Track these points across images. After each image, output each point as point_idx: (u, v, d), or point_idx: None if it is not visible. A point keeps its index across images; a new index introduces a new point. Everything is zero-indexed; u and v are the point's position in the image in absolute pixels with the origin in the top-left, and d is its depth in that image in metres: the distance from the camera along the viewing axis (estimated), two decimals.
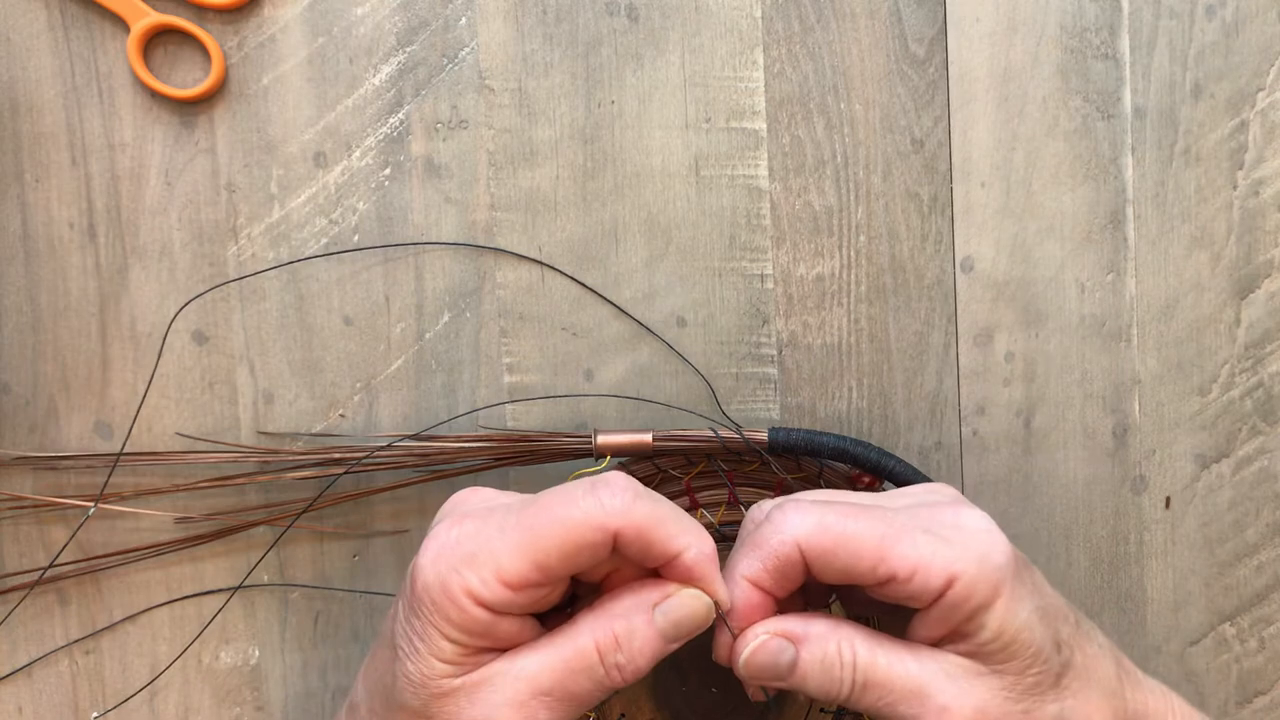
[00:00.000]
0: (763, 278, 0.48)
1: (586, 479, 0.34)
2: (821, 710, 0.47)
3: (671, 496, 0.46)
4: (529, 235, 0.48)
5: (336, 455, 0.46)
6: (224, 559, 0.48)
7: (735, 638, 0.36)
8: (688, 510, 0.46)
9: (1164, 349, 0.49)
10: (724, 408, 0.48)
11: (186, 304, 0.47)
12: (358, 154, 0.47)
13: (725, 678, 0.37)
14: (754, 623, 0.36)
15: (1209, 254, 0.49)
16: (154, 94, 0.46)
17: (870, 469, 0.46)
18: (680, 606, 0.35)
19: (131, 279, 0.47)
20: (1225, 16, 0.48)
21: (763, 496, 0.47)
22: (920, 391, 0.49)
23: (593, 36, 0.47)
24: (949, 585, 0.34)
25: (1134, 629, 0.50)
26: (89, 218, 0.46)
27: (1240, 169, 0.49)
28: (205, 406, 0.47)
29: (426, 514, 0.48)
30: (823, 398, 0.49)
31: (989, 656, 0.35)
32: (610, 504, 0.33)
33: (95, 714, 0.48)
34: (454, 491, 0.38)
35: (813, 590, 0.40)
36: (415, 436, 0.47)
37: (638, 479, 0.46)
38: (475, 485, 0.40)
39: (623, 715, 0.47)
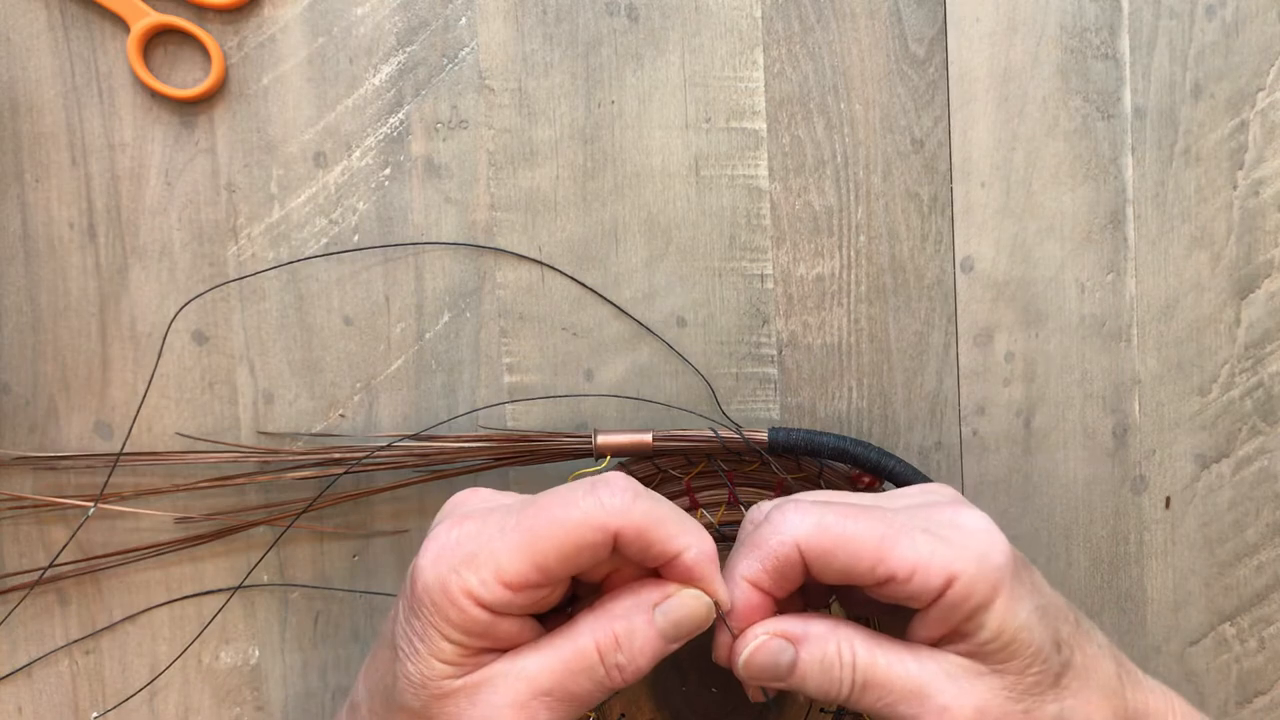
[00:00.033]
0: (763, 278, 0.48)
1: (586, 479, 0.34)
2: (821, 710, 0.47)
3: (671, 496, 0.46)
4: (529, 235, 0.48)
5: (336, 455, 0.46)
6: (224, 559, 0.48)
7: (735, 638, 0.36)
8: (688, 510, 0.46)
9: (1164, 349, 0.49)
10: (724, 408, 0.48)
11: (186, 304, 0.47)
12: (358, 154, 0.47)
13: (725, 677, 0.37)
14: (753, 623, 0.36)
15: (1209, 254, 0.49)
16: (154, 94, 0.46)
17: (870, 469, 0.46)
18: (680, 606, 0.35)
19: (131, 279, 0.47)
20: (1225, 16, 0.48)
21: (763, 496, 0.47)
22: (920, 391, 0.49)
23: (593, 36, 0.47)
24: (948, 585, 0.34)
25: (1134, 629, 0.50)
26: (89, 218, 0.46)
27: (1240, 169, 0.49)
28: (205, 406, 0.47)
29: (426, 514, 0.48)
30: (823, 398, 0.49)
31: (989, 656, 0.35)
32: (610, 504, 0.33)
33: (95, 714, 0.48)
34: (454, 491, 0.38)
35: (812, 591, 0.40)
36: (415, 436, 0.47)
37: (638, 479, 0.46)
38: (475, 485, 0.40)
39: (623, 715, 0.47)
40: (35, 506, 0.47)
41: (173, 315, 0.47)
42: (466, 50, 0.47)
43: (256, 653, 0.48)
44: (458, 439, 0.46)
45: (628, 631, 0.34)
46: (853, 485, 0.47)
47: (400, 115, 0.47)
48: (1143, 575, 0.50)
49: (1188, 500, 0.50)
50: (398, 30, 0.47)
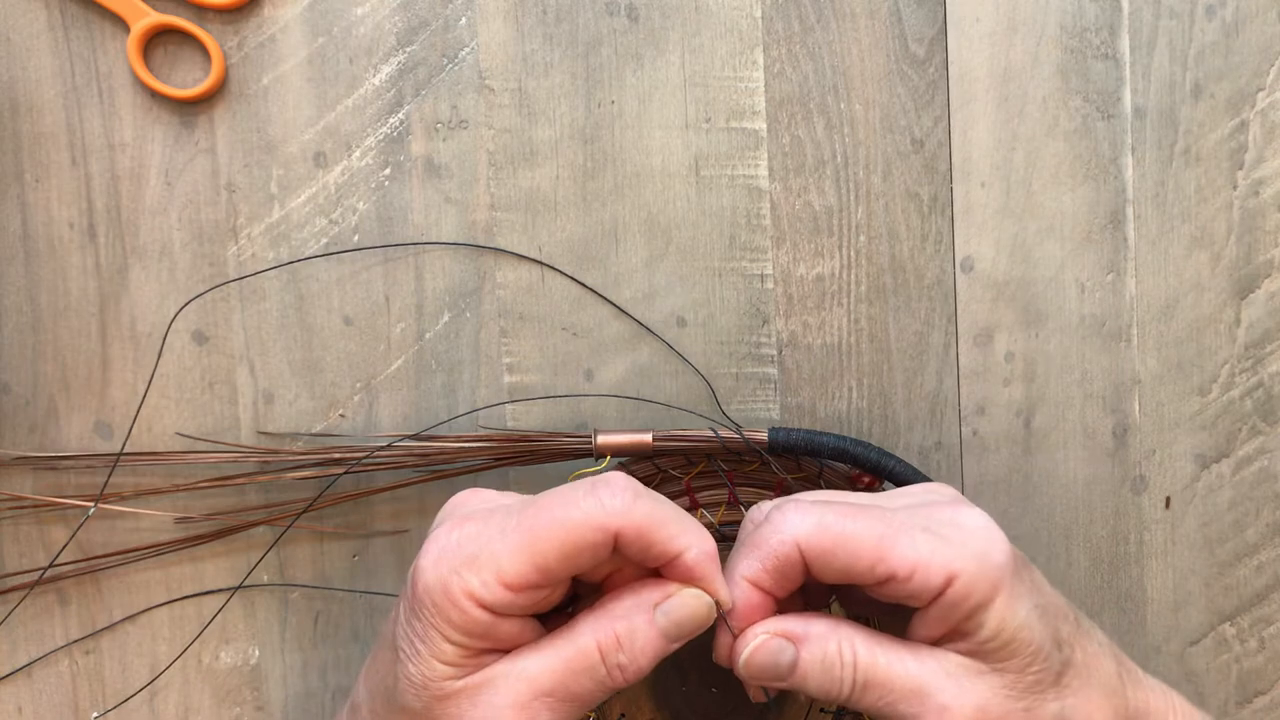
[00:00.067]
0: (763, 278, 0.48)
1: (587, 479, 0.34)
2: (821, 710, 0.47)
3: (671, 496, 0.46)
4: (529, 235, 0.48)
5: (336, 455, 0.46)
6: (224, 559, 0.48)
7: (735, 638, 0.36)
8: (688, 510, 0.46)
9: (1164, 349, 0.49)
10: (724, 408, 0.48)
11: (186, 304, 0.47)
12: (358, 154, 0.47)
13: (725, 677, 0.37)
14: (754, 623, 0.36)
15: (1209, 254, 0.49)
16: (154, 94, 0.46)
17: (870, 469, 0.46)
18: (681, 606, 0.35)
19: (131, 279, 0.47)
20: (1225, 16, 0.48)
21: (763, 496, 0.47)
22: (920, 391, 0.49)
23: (593, 36, 0.47)
24: (948, 584, 0.34)
25: (1134, 629, 0.50)
26: (89, 218, 0.46)
27: (1240, 169, 0.49)
28: (205, 406, 0.47)
29: (426, 514, 0.48)
30: (823, 398, 0.49)
31: (989, 655, 0.35)
32: (611, 504, 0.33)
33: (95, 714, 0.48)
34: (454, 491, 0.38)
35: (812, 591, 0.40)
36: (415, 436, 0.47)
37: (638, 479, 0.46)
38: (475, 485, 0.40)
39: (623, 715, 0.47)
40: (35, 506, 0.47)
41: (173, 315, 0.47)
42: (466, 50, 0.47)
43: (256, 653, 0.48)
44: (458, 439, 0.46)
45: (629, 631, 0.34)
46: (853, 485, 0.47)
47: (400, 115, 0.47)
48: (1143, 575, 0.50)
49: (1188, 500, 0.50)
50: (398, 30, 0.47)
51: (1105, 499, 0.50)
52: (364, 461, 0.46)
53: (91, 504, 0.46)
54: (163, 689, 0.48)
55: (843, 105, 0.48)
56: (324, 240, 0.47)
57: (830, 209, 0.48)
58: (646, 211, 0.48)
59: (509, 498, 0.37)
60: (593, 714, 0.46)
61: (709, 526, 0.47)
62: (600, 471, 0.46)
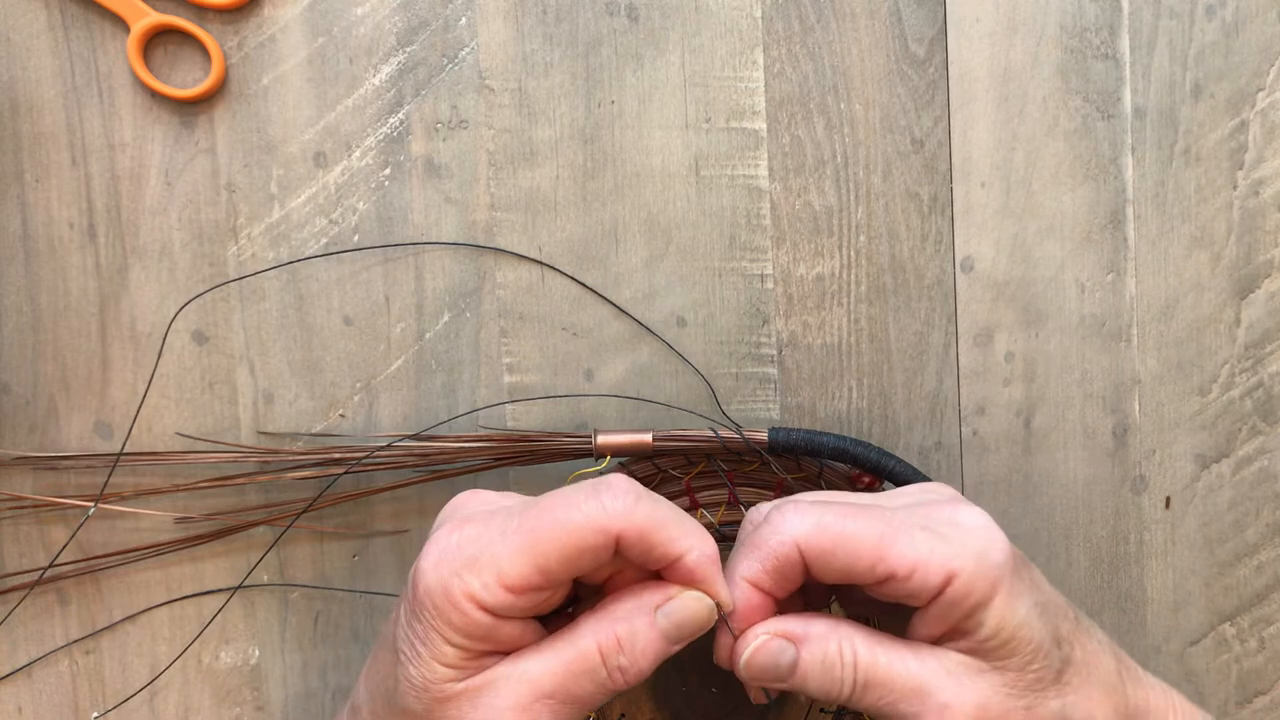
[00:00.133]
0: (763, 278, 0.48)
1: (588, 482, 0.34)
2: (821, 710, 0.47)
3: (671, 496, 0.46)
4: (529, 235, 0.48)
5: (336, 455, 0.46)
6: (224, 559, 0.48)
7: (736, 639, 0.36)
8: (688, 510, 0.46)
9: (1164, 349, 0.49)
10: (724, 408, 0.48)
11: (186, 304, 0.47)
12: (358, 154, 0.47)
13: (725, 678, 0.37)
14: (754, 624, 0.36)
15: (1209, 254, 0.49)
16: (154, 94, 0.46)
17: (870, 469, 0.46)
18: (682, 608, 0.35)
19: (131, 279, 0.47)
20: (1225, 16, 0.48)
21: (763, 496, 0.47)
22: (920, 391, 0.49)
23: (593, 36, 0.47)
24: (948, 582, 0.34)
25: (1134, 629, 0.50)
26: (89, 218, 0.46)
27: (1240, 169, 0.49)
28: (205, 406, 0.47)
29: (426, 514, 0.48)
30: (823, 398, 0.49)
31: (989, 653, 0.35)
32: (612, 507, 0.33)
33: (95, 714, 0.48)
34: (454, 492, 0.38)
35: (812, 591, 0.40)
36: (415, 436, 0.47)
37: (638, 479, 0.46)
38: (475, 485, 0.40)
39: (623, 715, 0.47)
40: (35, 506, 0.47)
41: (173, 315, 0.47)
42: (466, 50, 0.47)
43: (256, 653, 0.48)
44: (458, 439, 0.46)
45: (630, 633, 0.34)
46: (853, 485, 0.47)
47: (400, 115, 0.47)
48: (1143, 575, 0.50)
49: (1188, 500, 0.50)
50: (398, 30, 0.47)
51: (1105, 499, 0.50)
52: (364, 461, 0.46)
53: (91, 504, 0.46)
54: (163, 689, 0.48)
55: (843, 105, 0.48)
56: (324, 240, 0.47)
57: (830, 209, 0.48)
58: (646, 211, 0.48)
59: (509, 499, 0.37)
60: (593, 715, 0.46)
61: (709, 526, 0.47)
62: (600, 471, 0.46)
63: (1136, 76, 0.48)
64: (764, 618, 0.36)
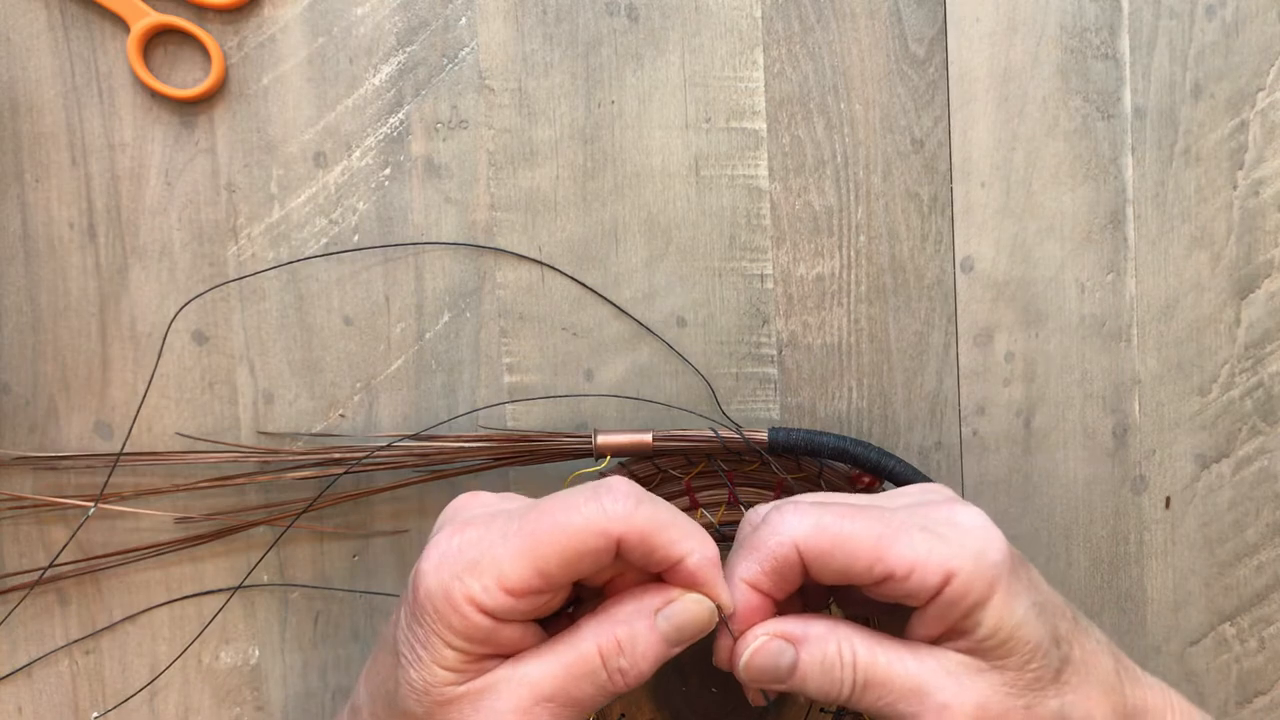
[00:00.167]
0: (763, 278, 0.48)
1: (589, 484, 0.34)
2: (821, 710, 0.47)
3: (671, 497, 0.46)
4: (529, 235, 0.48)
5: (336, 455, 0.46)
6: (224, 559, 0.48)
7: (735, 640, 0.36)
8: (687, 510, 0.46)
9: (1164, 349, 0.49)
10: (724, 408, 0.48)
11: (186, 304, 0.47)
12: (358, 154, 0.47)
13: (725, 679, 0.37)
14: (753, 625, 0.36)
15: (1209, 254, 0.49)
16: (154, 94, 0.46)
17: (870, 469, 0.46)
18: (683, 611, 0.35)
19: (131, 279, 0.47)
20: (1225, 16, 0.48)
21: (763, 496, 0.47)
22: (920, 391, 0.49)
23: (593, 36, 0.47)
24: (946, 582, 0.34)
25: (1134, 629, 0.50)
26: (89, 218, 0.46)
27: (1240, 169, 0.49)
28: (205, 406, 0.47)
29: (426, 514, 0.48)
30: (823, 398, 0.49)
31: (988, 653, 0.35)
32: (613, 509, 0.33)
33: (95, 714, 0.48)
34: (454, 492, 0.38)
35: (810, 593, 0.40)
36: (415, 436, 0.47)
37: (638, 479, 0.46)
38: (475, 485, 0.40)
39: (623, 716, 0.47)
40: (35, 506, 0.47)
41: (173, 315, 0.47)
42: (466, 50, 0.47)
43: (256, 653, 0.48)
44: (458, 439, 0.46)
45: (630, 636, 0.34)
46: (853, 485, 0.47)
47: (400, 115, 0.47)
48: (1143, 575, 0.50)
49: (1188, 500, 0.50)
50: (398, 30, 0.47)
51: (1105, 499, 0.50)
52: (364, 461, 0.46)
53: (91, 504, 0.46)
54: (163, 689, 0.48)
55: (843, 105, 0.48)
56: (324, 240, 0.47)
57: (830, 209, 0.48)
58: (646, 211, 0.48)
59: (510, 502, 0.37)
60: (592, 716, 0.46)
61: (708, 527, 0.47)
62: (600, 472, 0.46)
63: (1136, 76, 0.48)
64: (763, 619, 0.36)
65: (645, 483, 0.46)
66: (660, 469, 0.47)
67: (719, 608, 0.35)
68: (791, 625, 0.36)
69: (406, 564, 0.48)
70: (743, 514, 0.47)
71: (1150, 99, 0.49)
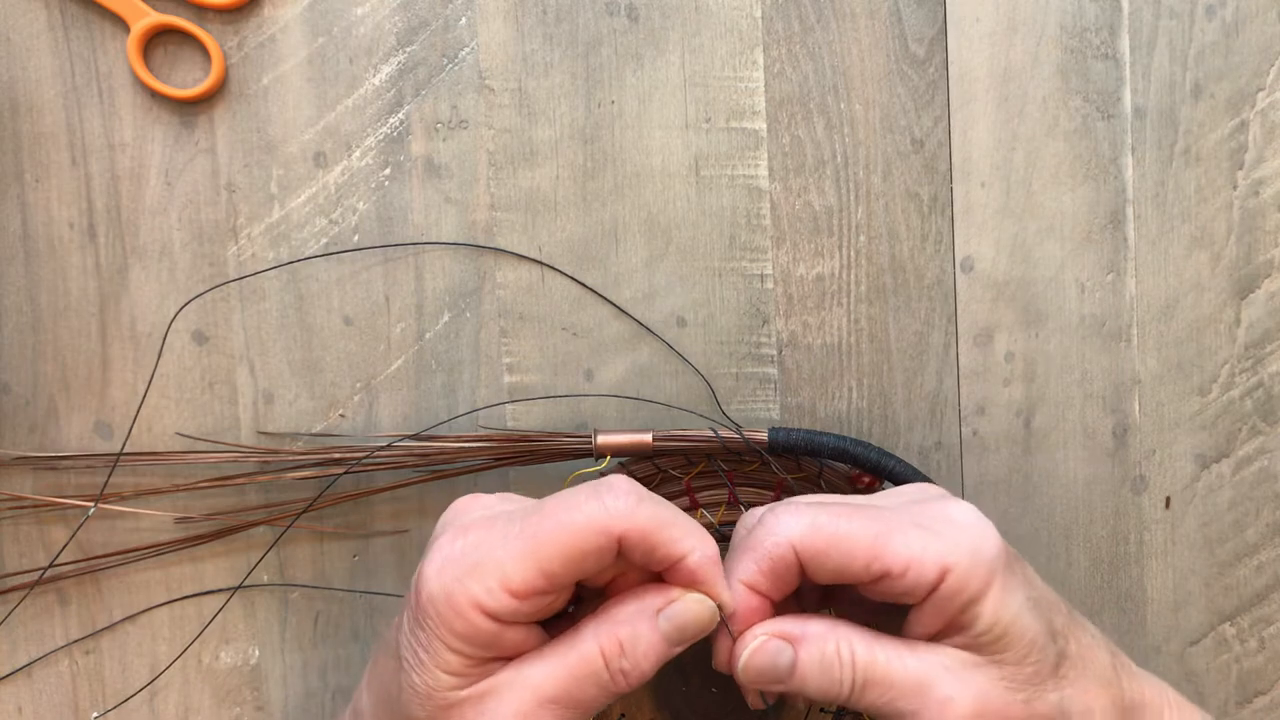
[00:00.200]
0: (763, 278, 0.48)
1: (589, 484, 0.34)
2: (821, 710, 0.47)
3: (671, 497, 0.46)
4: (529, 235, 0.48)
5: (336, 455, 0.46)
6: (224, 559, 0.48)
7: (734, 641, 0.36)
8: (688, 510, 0.46)
9: (1164, 349, 0.49)
10: (724, 408, 0.48)
11: (186, 304, 0.47)
12: (358, 154, 0.47)
13: (726, 679, 0.37)
14: (751, 626, 0.36)
15: (1209, 254, 0.49)
16: (154, 94, 0.46)
17: (870, 469, 0.46)
18: (684, 611, 0.35)
19: (131, 279, 0.47)
20: (1225, 16, 0.48)
21: (763, 496, 0.47)
22: (920, 391, 0.49)
23: (593, 36, 0.47)
24: (942, 577, 0.34)
25: (1134, 629, 0.50)
26: (89, 218, 0.46)
27: (1240, 169, 0.49)
28: (205, 406, 0.47)
29: (426, 514, 0.48)
30: (823, 398, 0.49)
31: (986, 647, 0.35)
32: (614, 507, 0.33)
33: (95, 714, 0.48)
34: (454, 492, 0.38)
35: (807, 595, 0.40)
36: (415, 436, 0.47)
37: (638, 479, 0.46)
38: (475, 485, 0.40)
39: (623, 716, 0.47)
40: (35, 506, 0.47)
41: (173, 315, 0.47)
42: (466, 50, 0.47)
43: (256, 653, 0.48)
44: (458, 439, 0.46)
45: (632, 637, 0.34)
46: (853, 485, 0.47)
47: (400, 115, 0.47)
48: (1143, 575, 0.50)
49: (1188, 500, 0.50)
50: (398, 30, 0.47)
51: (1105, 499, 0.50)
52: (364, 461, 0.46)
53: (91, 504, 0.46)
54: (163, 689, 0.48)
55: (843, 105, 0.48)
56: (324, 240, 0.47)
57: (830, 209, 0.48)
58: (646, 211, 0.48)
59: (509, 503, 0.36)
60: (593, 717, 0.46)
61: (709, 526, 0.47)
62: (600, 472, 0.46)
63: (1136, 76, 0.48)
64: (761, 620, 0.36)
65: (645, 483, 0.46)
66: (660, 469, 0.47)
67: (720, 607, 0.35)
68: (789, 625, 0.36)
69: (407, 564, 0.48)
70: (743, 514, 0.47)
71: (1150, 99, 0.49)
